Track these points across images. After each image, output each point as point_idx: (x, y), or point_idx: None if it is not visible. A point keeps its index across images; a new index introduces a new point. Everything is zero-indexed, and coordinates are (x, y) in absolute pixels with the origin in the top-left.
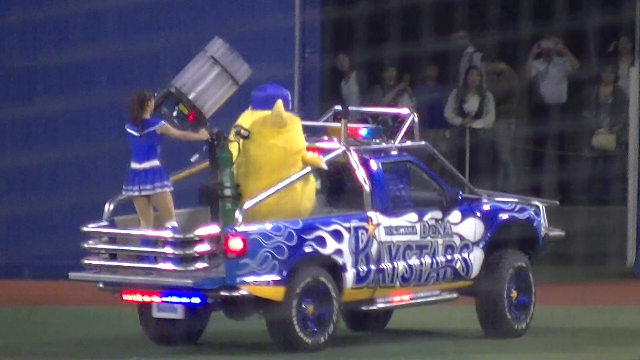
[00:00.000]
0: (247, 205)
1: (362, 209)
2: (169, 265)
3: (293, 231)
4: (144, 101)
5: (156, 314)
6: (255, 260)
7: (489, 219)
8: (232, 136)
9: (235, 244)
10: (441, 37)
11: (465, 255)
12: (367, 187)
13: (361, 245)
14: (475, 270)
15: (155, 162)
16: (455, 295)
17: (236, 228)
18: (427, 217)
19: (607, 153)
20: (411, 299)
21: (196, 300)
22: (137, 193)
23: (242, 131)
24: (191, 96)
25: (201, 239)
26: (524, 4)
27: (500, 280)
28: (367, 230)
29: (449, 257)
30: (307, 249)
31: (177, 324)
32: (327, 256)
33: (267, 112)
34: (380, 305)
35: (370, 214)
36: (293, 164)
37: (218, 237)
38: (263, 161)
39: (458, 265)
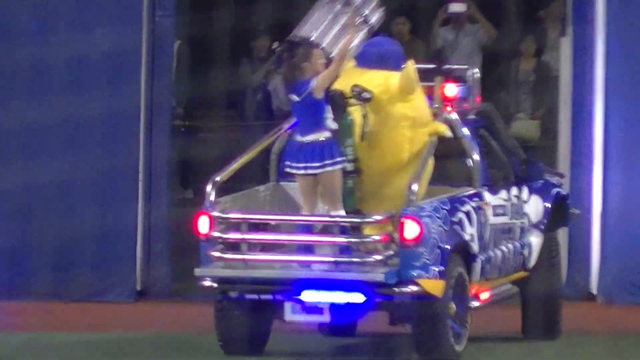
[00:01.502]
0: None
1: (470, 185)
2: (341, 257)
3: (446, 212)
4: (299, 60)
5: (290, 316)
6: (427, 248)
7: (545, 194)
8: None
9: (412, 229)
10: None
11: (528, 239)
12: (476, 158)
13: (482, 230)
14: (534, 258)
15: (324, 134)
16: (517, 289)
17: (411, 210)
18: (512, 195)
19: (529, 143)
20: (491, 295)
21: (359, 298)
22: (302, 171)
23: (364, 93)
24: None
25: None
26: None
27: (558, 271)
28: (483, 211)
29: (522, 242)
30: (457, 234)
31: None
32: (466, 242)
33: (385, 72)
34: (475, 304)
35: (481, 191)
36: (420, 139)
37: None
38: (388, 134)
39: (526, 252)
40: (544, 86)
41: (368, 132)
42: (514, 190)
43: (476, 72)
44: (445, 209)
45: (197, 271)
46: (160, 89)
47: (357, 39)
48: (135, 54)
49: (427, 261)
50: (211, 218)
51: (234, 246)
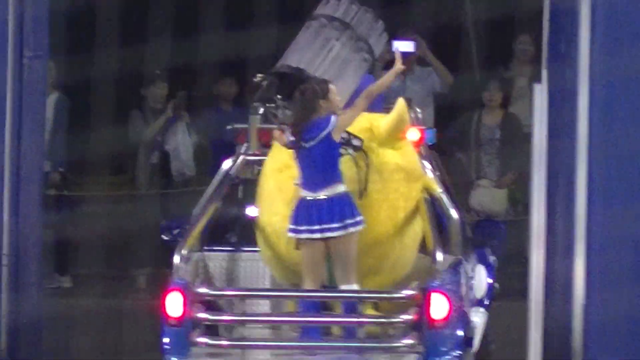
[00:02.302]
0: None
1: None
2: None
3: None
4: (316, 98)
5: None
6: (451, 329)
7: (486, 264)
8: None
9: (442, 307)
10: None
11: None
12: (456, 217)
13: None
14: (477, 342)
15: (341, 186)
16: None
17: (439, 284)
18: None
19: (494, 217)
20: None
21: None
22: (317, 235)
23: (354, 140)
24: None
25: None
26: None
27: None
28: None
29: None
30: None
31: None
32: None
33: (367, 115)
34: None
35: (462, 259)
36: (414, 196)
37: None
38: (381, 190)
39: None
40: (512, 145)
41: (355, 187)
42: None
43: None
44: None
45: None
46: (29, 149)
47: (354, 65)
48: None
49: (451, 346)
50: (186, 296)
51: (215, 330)
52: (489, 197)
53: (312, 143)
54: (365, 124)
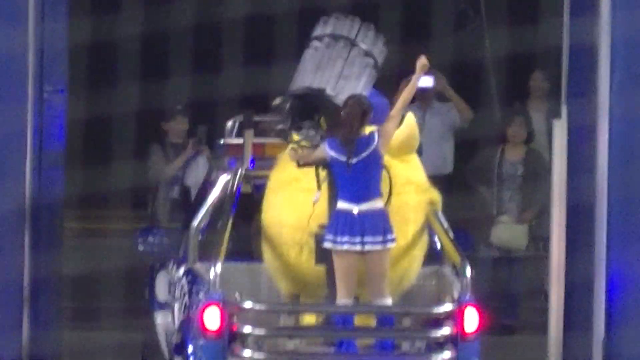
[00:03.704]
0: None
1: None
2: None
3: None
4: (365, 114)
5: None
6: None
7: None
8: None
9: (475, 320)
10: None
11: None
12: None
13: None
14: None
15: (380, 201)
16: None
17: (472, 297)
18: None
19: (514, 254)
20: None
21: None
22: (357, 248)
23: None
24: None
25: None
26: (382, 15)
27: None
28: None
29: None
30: None
31: None
32: None
33: (374, 128)
34: None
35: None
36: (422, 209)
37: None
38: (393, 203)
39: None
40: (534, 181)
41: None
42: None
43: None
44: None
45: None
46: (49, 183)
47: (364, 80)
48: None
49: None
50: (223, 310)
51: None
52: (508, 232)
53: (358, 158)
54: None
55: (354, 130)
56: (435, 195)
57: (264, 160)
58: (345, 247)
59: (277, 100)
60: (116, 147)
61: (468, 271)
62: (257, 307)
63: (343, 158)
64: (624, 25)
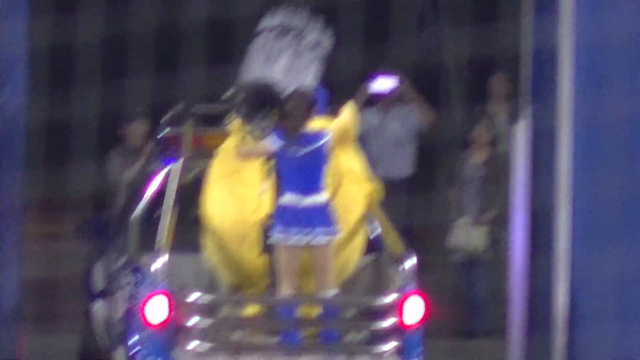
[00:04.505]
0: None
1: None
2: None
3: None
4: (312, 105)
5: None
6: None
7: None
8: None
9: (419, 310)
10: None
11: None
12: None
13: None
14: None
15: (325, 194)
16: None
17: (416, 286)
18: None
19: (474, 257)
20: None
21: None
22: (306, 241)
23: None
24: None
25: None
26: (343, 17)
27: None
28: None
29: None
30: None
31: None
32: None
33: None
34: None
35: None
36: (362, 200)
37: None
38: (335, 193)
39: None
40: (494, 184)
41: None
42: None
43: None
44: None
45: None
46: (8, 188)
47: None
48: None
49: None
50: (168, 301)
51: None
52: (466, 235)
53: (304, 151)
54: (317, 125)
55: (300, 123)
56: (376, 186)
57: (203, 151)
58: (295, 239)
59: (229, 92)
60: (77, 151)
61: (411, 261)
62: (203, 299)
63: (288, 150)
64: (587, 27)
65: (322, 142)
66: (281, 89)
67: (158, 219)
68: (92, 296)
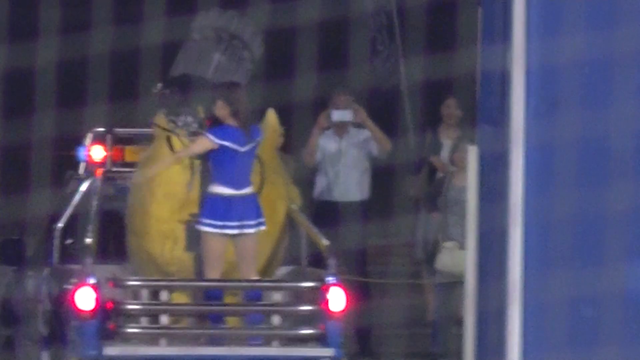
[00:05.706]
0: None
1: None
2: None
3: None
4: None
5: None
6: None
7: None
8: None
9: (341, 300)
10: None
11: None
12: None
13: None
14: None
15: (252, 188)
16: None
17: (338, 278)
18: None
19: (458, 279)
20: None
21: None
22: (236, 231)
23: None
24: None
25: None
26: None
27: None
28: None
29: None
30: None
31: None
32: None
33: None
34: None
35: None
36: (285, 197)
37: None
38: (265, 189)
39: None
40: None
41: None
42: None
43: None
44: None
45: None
46: None
47: (242, 72)
48: None
49: (345, 340)
50: (97, 290)
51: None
52: (453, 258)
53: (247, 148)
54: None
55: (248, 118)
56: (295, 191)
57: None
58: (225, 230)
59: (157, 87)
60: (33, 173)
61: (333, 256)
62: (132, 281)
63: (237, 146)
64: (539, 52)
65: (259, 137)
66: (209, 86)
67: (82, 229)
68: (11, 321)
